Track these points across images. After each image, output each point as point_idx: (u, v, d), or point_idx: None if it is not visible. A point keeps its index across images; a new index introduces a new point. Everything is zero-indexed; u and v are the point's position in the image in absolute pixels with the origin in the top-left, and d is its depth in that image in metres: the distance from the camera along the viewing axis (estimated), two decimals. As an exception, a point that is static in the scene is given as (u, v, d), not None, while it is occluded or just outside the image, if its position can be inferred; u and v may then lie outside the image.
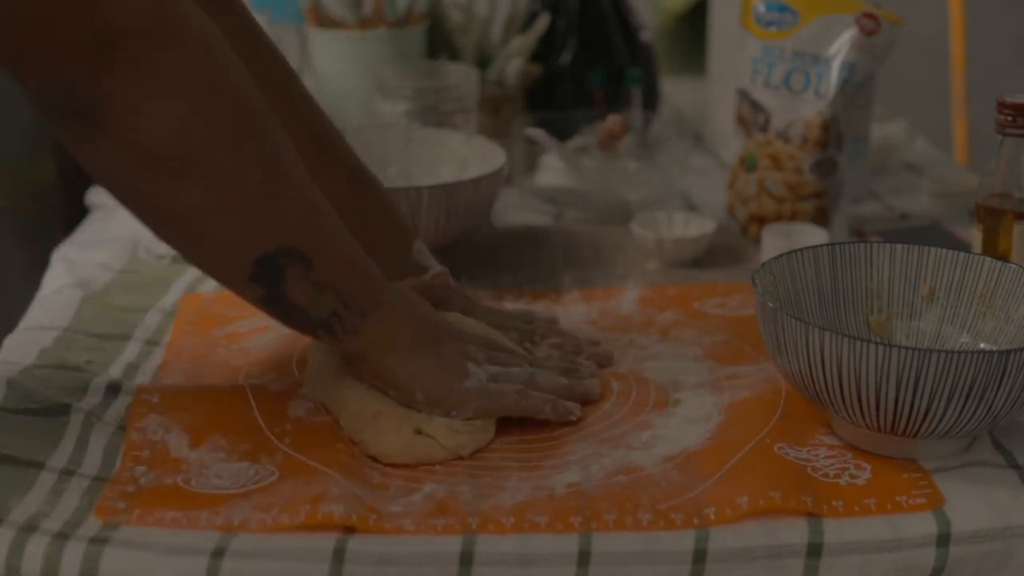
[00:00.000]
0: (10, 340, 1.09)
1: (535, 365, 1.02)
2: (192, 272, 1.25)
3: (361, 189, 1.10)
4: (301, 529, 0.83)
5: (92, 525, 0.84)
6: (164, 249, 1.29)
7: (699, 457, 0.92)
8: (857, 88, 1.31)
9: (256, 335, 1.10)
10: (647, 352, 1.08)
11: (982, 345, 0.99)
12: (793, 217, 1.33)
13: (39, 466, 0.90)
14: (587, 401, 1.00)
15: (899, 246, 1.02)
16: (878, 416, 0.88)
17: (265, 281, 0.89)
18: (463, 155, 1.31)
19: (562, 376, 1.01)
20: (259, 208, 0.87)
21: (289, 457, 0.91)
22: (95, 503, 0.86)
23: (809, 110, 1.31)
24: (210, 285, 1.22)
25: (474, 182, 1.20)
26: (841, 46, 1.29)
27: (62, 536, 0.83)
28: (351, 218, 0.98)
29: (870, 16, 1.28)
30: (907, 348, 0.84)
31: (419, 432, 0.93)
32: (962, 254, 1.01)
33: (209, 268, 0.92)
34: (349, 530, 0.83)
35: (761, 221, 1.34)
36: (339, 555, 0.82)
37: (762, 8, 1.33)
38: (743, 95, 1.36)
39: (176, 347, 1.09)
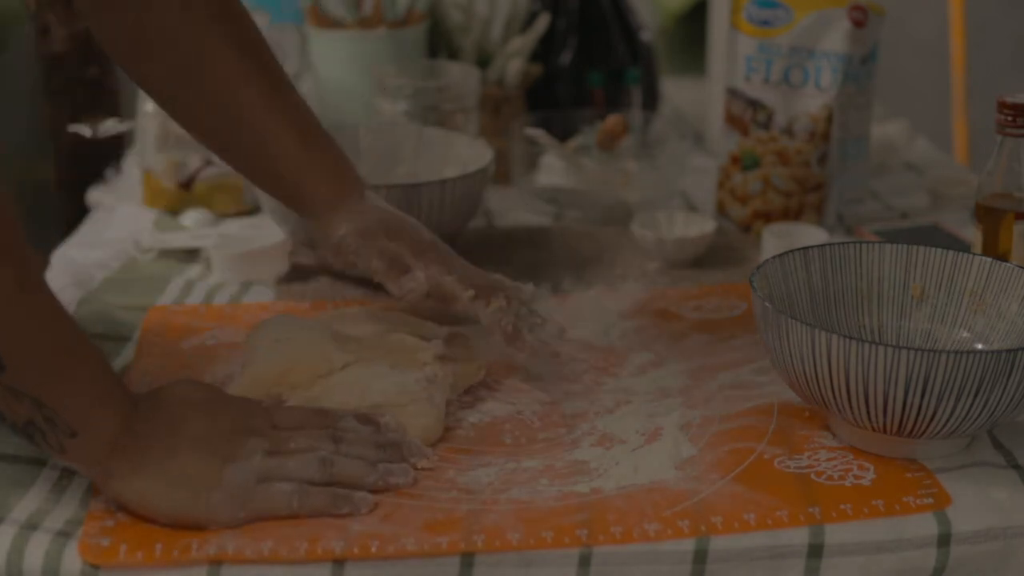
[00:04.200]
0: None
1: (341, 440, 0.89)
2: (191, 272, 1.25)
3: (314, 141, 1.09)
4: (300, 562, 0.82)
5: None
6: (149, 243, 1.29)
7: (698, 463, 0.92)
8: (853, 79, 1.33)
9: (229, 349, 1.09)
10: (634, 365, 1.08)
11: (979, 345, 0.99)
12: (800, 210, 1.34)
13: (40, 464, 0.90)
14: (390, 489, 0.89)
15: (889, 246, 1.02)
16: (884, 417, 0.88)
17: None
18: (466, 157, 1.31)
19: (370, 453, 0.90)
20: None
21: None
22: (76, 531, 0.83)
23: (812, 104, 1.33)
24: (200, 291, 1.22)
25: (439, 184, 1.20)
26: (836, 39, 1.32)
27: (63, 534, 0.83)
28: (299, 165, 1.01)
29: (859, 8, 1.32)
30: (916, 350, 0.84)
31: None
32: (952, 252, 1.01)
33: None
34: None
35: (767, 217, 1.35)
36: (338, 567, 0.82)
37: (754, 6, 1.34)
38: (734, 94, 1.37)
39: (141, 366, 1.06)
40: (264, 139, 1.06)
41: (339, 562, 0.81)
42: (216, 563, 0.81)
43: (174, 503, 0.83)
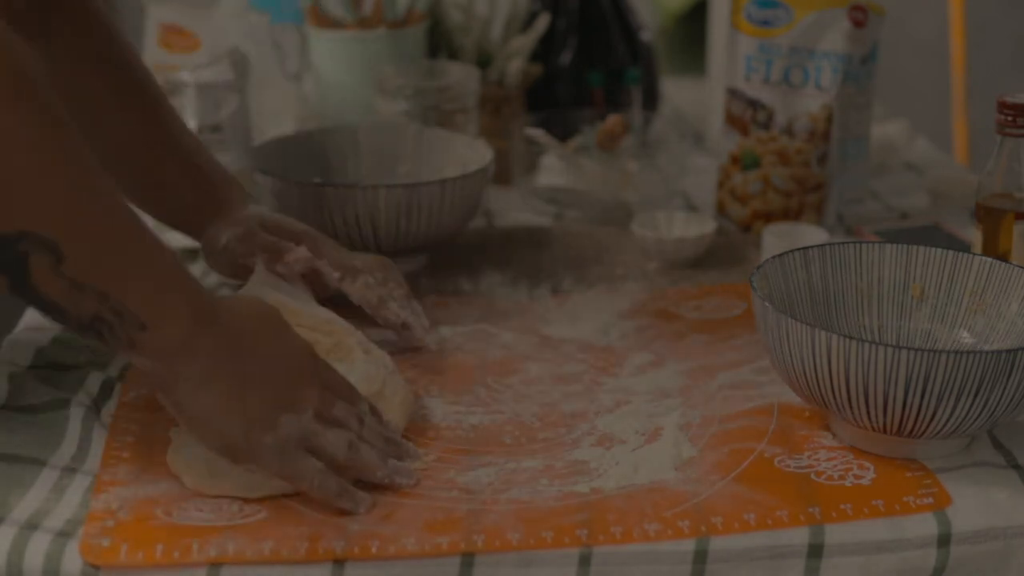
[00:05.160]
0: (9, 340, 1.09)
1: (363, 424, 0.90)
2: (191, 272, 1.25)
3: (181, 153, 1.11)
4: (300, 562, 0.82)
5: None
6: None
7: (698, 464, 0.92)
8: (853, 79, 1.33)
9: None
10: (634, 365, 1.08)
11: (979, 345, 0.99)
12: (800, 210, 1.34)
13: (40, 464, 0.90)
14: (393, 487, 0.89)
15: (889, 246, 1.02)
16: (885, 417, 0.88)
17: (6, 269, 0.76)
18: (466, 157, 1.31)
19: (380, 445, 0.90)
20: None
21: (272, 497, 0.88)
22: (77, 531, 0.83)
23: (812, 104, 1.33)
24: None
25: (439, 184, 1.20)
26: (836, 39, 1.32)
27: (63, 534, 0.83)
28: (168, 181, 1.03)
29: (859, 8, 1.32)
30: (916, 350, 0.85)
31: (211, 462, 0.88)
32: (952, 252, 1.01)
33: None
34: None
35: (767, 217, 1.35)
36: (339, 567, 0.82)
37: (754, 6, 1.34)
38: (734, 94, 1.37)
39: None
40: (147, 170, 1.10)
41: (339, 562, 0.81)
42: (216, 564, 0.81)
43: (229, 430, 0.83)
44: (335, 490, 0.85)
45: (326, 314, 1.04)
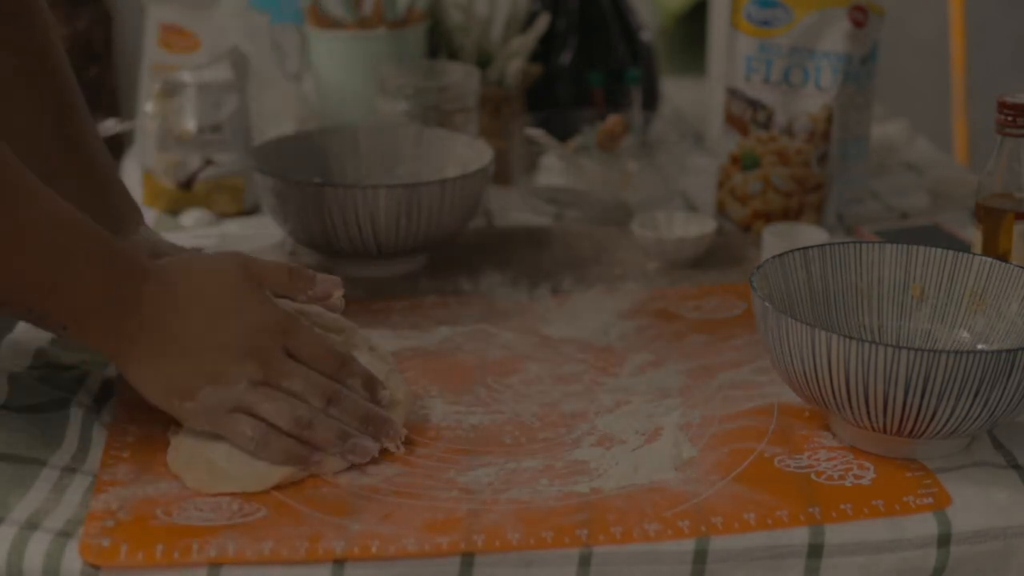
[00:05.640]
0: (9, 340, 1.09)
1: (335, 401, 0.89)
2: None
3: (87, 167, 1.06)
4: (300, 562, 0.82)
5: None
6: None
7: (698, 464, 0.92)
8: (853, 79, 1.33)
9: None
10: (634, 365, 1.08)
11: (979, 345, 0.99)
12: (800, 210, 1.34)
13: (41, 464, 0.90)
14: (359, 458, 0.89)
15: (889, 246, 1.02)
16: (884, 417, 0.88)
17: None
18: (466, 157, 1.31)
19: (352, 424, 0.90)
20: None
21: (273, 497, 0.88)
22: (77, 530, 0.83)
23: (812, 104, 1.33)
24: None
25: (439, 184, 1.20)
26: (836, 39, 1.32)
27: (63, 534, 0.82)
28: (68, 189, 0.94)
29: (860, 9, 1.32)
30: (916, 350, 0.84)
31: (211, 463, 0.88)
32: (952, 252, 1.01)
33: None
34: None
35: (767, 217, 1.35)
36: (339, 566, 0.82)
37: (754, 6, 1.34)
38: (734, 94, 1.37)
39: None
40: (40, 159, 0.99)
41: (339, 562, 0.81)
42: (216, 564, 0.81)
43: (160, 398, 0.87)
44: (286, 455, 0.87)
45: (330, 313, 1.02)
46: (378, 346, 1.00)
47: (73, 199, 0.97)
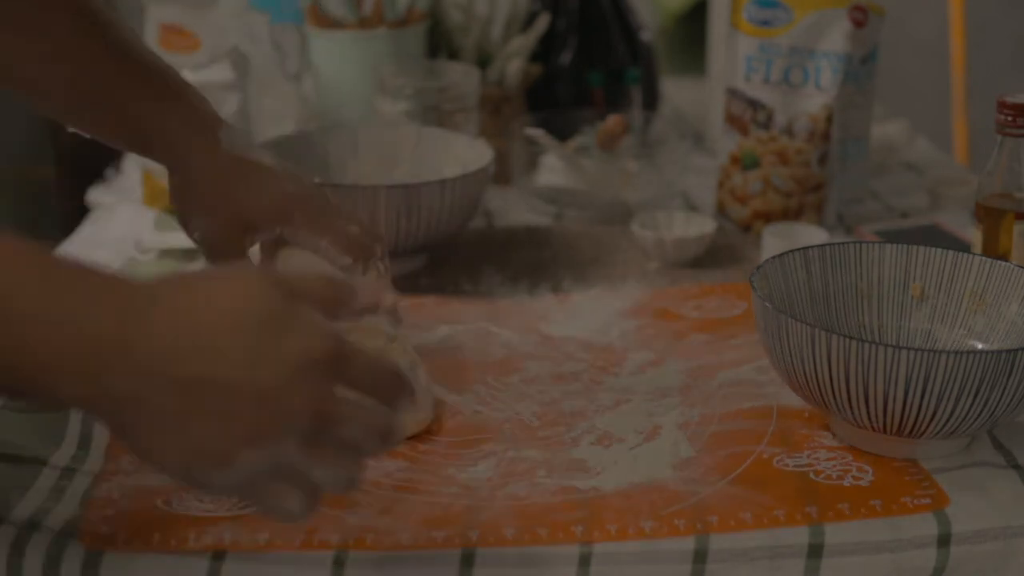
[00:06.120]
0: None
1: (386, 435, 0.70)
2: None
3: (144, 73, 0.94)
4: (295, 551, 0.82)
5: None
6: (149, 244, 1.29)
7: (697, 463, 0.92)
8: (853, 79, 1.33)
9: None
10: (633, 364, 1.08)
11: (979, 345, 0.99)
12: (800, 210, 1.34)
13: (41, 464, 0.90)
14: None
15: (889, 246, 1.02)
16: (884, 417, 0.88)
17: None
18: (466, 157, 1.31)
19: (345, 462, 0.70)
20: None
21: None
22: (78, 530, 0.83)
23: (812, 104, 1.33)
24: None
25: (439, 184, 1.20)
26: (836, 39, 1.32)
27: (64, 534, 0.82)
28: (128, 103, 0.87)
29: (860, 9, 1.32)
30: (916, 350, 0.84)
31: None
32: (952, 252, 1.01)
33: None
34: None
35: (767, 217, 1.35)
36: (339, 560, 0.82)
37: (754, 6, 1.34)
38: (734, 94, 1.37)
39: None
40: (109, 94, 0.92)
41: (338, 556, 0.81)
42: (212, 552, 0.81)
43: (179, 468, 0.67)
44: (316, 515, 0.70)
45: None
46: (401, 337, 0.97)
47: (148, 109, 0.89)
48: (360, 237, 0.94)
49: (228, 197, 0.93)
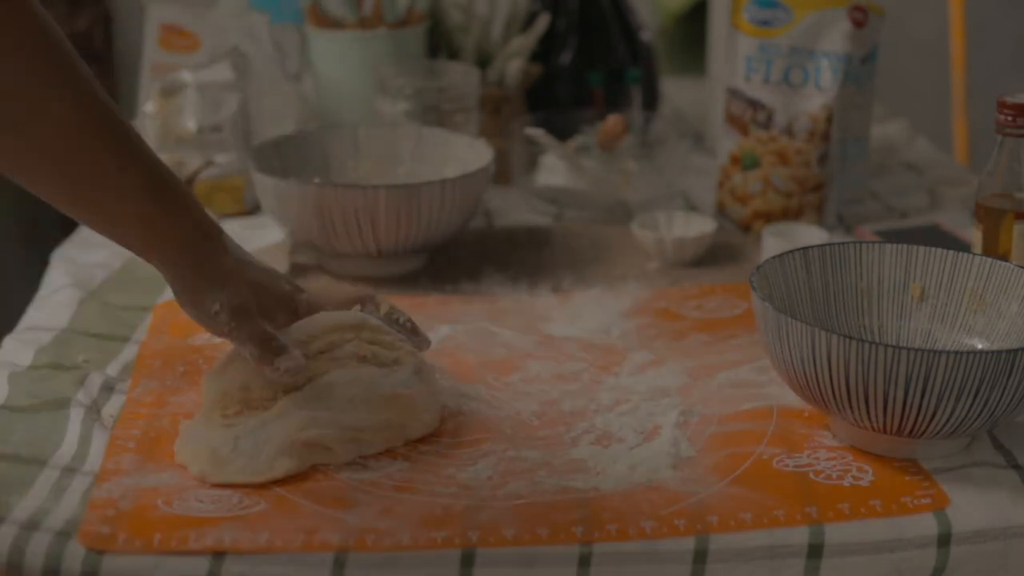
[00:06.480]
0: (10, 340, 1.09)
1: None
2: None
3: None
4: (296, 552, 0.82)
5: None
6: None
7: (696, 463, 0.92)
8: (853, 79, 1.34)
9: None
10: (633, 364, 1.08)
11: (979, 345, 0.99)
12: (800, 210, 1.34)
13: (41, 464, 0.90)
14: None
15: (889, 246, 1.02)
16: (884, 417, 0.88)
17: None
18: (466, 157, 1.31)
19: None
20: None
21: (273, 491, 0.88)
22: (77, 530, 0.83)
23: (812, 104, 1.33)
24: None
25: (439, 184, 1.20)
26: (836, 39, 1.32)
27: (63, 534, 0.83)
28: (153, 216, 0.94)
29: (860, 9, 1.32)
30: (916, 350, 0.85)
31: (215, 451, 0.89)
32: (952, 252, 1.01)
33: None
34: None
35: (767, 217, 1.35)
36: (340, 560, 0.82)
37: (754, 6, 1.34)
38: (734, 94, 1.37)
39: (147, 360, 1.06)
40: (113, 194, 0.94)
41: (339, 557, 0.81)
42: (212, 553, 0.81)
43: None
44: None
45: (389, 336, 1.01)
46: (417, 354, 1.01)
47: (156, 220, 0.95)
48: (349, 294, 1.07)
49: (247, 319, 0.96)
